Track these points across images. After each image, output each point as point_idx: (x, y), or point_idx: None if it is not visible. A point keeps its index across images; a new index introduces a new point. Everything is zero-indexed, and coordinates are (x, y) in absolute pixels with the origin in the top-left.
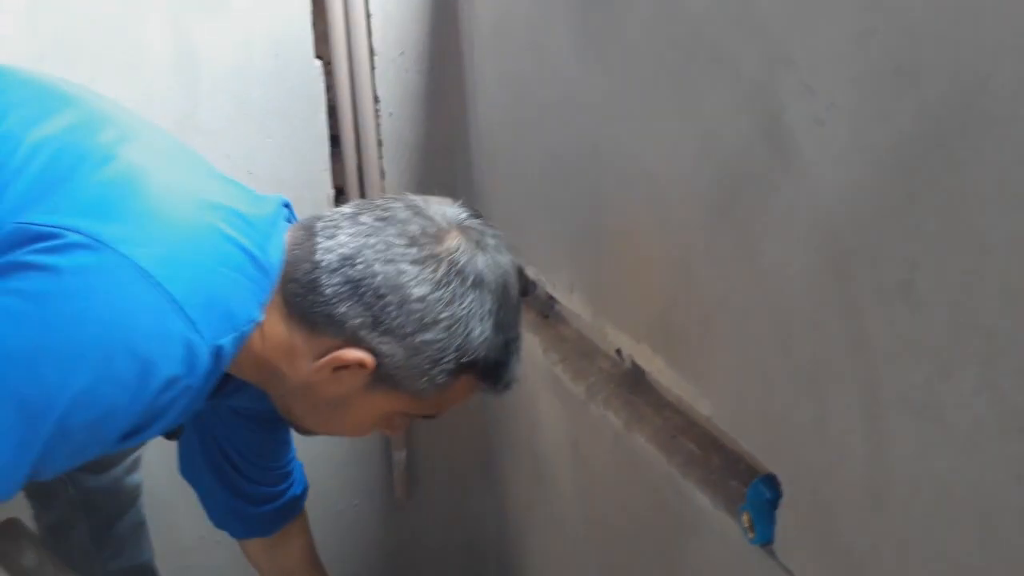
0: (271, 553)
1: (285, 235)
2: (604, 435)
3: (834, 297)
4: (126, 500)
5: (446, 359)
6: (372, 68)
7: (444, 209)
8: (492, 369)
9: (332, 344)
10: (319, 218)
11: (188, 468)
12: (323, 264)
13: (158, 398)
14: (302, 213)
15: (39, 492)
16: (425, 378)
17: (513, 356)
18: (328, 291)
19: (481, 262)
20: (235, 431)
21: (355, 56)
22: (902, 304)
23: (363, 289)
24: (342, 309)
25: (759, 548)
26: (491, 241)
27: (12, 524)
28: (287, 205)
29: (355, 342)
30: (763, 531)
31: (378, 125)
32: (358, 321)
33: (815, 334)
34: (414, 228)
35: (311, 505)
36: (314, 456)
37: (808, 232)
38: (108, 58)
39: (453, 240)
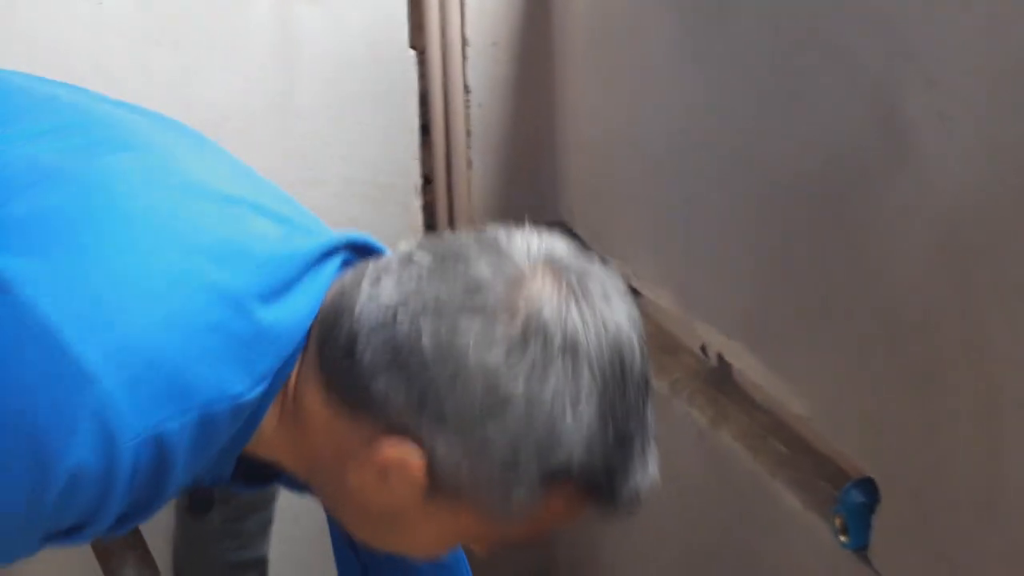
0: None
1: (332, 281)
2: (687, 433)
3: (951, 297)
4: (262, 501)
5: (524, 466)
6: (464, 58)
7: (530, 242)
8: (599, 479)
9: (373, 433)
10: (376, 259)
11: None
12: (361, 321)
13: (62, 500)
14: (390, 203)
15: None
16: (499, 492)
17: (633, 460)
18: (366, 358)
19: (576, 318)
20: None
21: (448, 46)
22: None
23: (405, 355)
24: (380, 384)
25: (852, 552)
26: (596, 287)
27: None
28: (356, 245)
29: (399, 431)
30: (857, 535)
31: (468, 115)
32: (401, 400)
33: (928, 334)
34: (482, 269)
35: None
36: None
37: (925, 229)
38: (214, 40)
39: (536, 285)
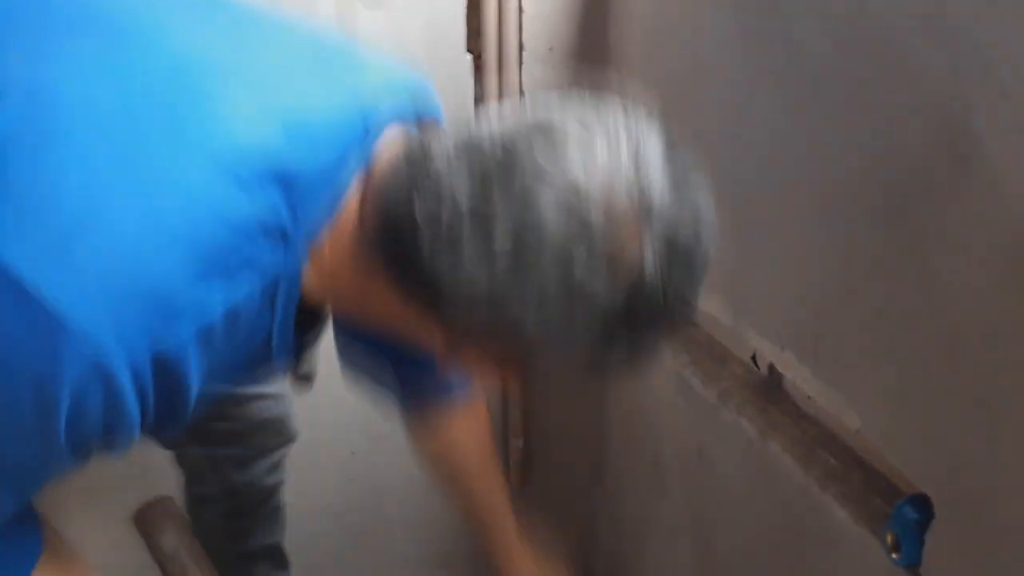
0: (429, 443)
1: (391, 143)
2: (735, 443)
3: (1016, 313)
4: (264, 495)
5: (569, 341)
6: (520, 63)
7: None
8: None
9: (425, 309)
10: (435, 135)
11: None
12: (405, 199)
13: (72, 428)
14: None
15: (189, 471)
16: (529, 351)
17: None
18: (425, 248)
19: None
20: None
21: (505, 51)
22: None
23: (448, 231)
24: (444, 275)
25: (904, 569)
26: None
27: (164, 503)
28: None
29: (435, 308)
30: (910, 552)
31: None
32: (464, 292)
33: (991, 352)
34: (566, 173)
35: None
36: None
37: (991, 243)
38: None
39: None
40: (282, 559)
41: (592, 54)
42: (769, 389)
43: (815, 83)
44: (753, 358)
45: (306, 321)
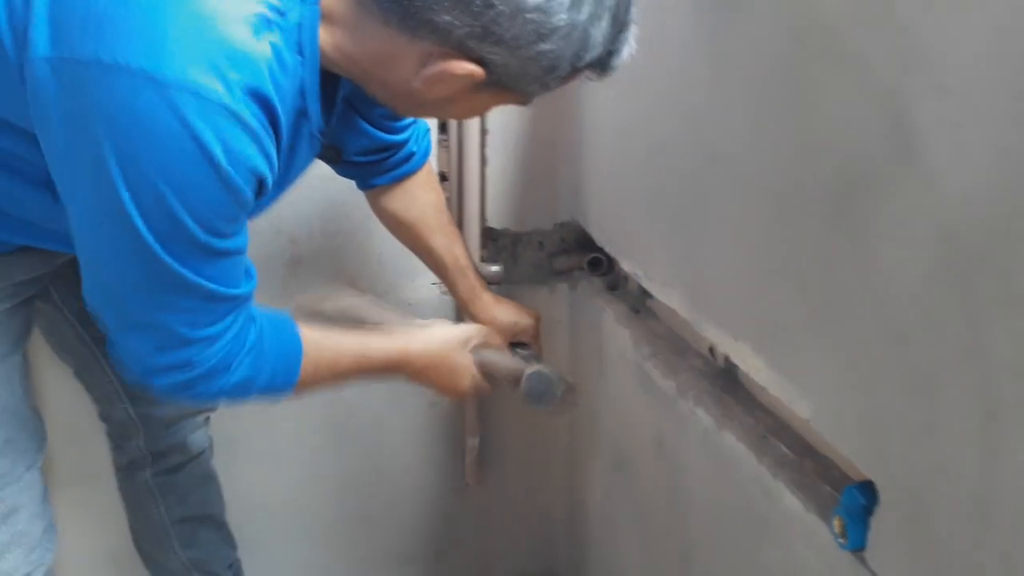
0: (397, 203)
1: None
2: (692, 432)
3: (954, 303)
4: (189, 453)
5: (561, 67)
6: None
7: None
8: (603, 61)
9: (436, 51)
10: None
11: None
12: None
13: (232, 167)
14: None
15: (117, 434)
16: (537, 84)
17: (626, 41)
18: None
19: None
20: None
21: None
22: None
23: None
24: (446, 17)
25: (850, 554)
26: None
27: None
28: None
29: (462, 51)
30: (856, 537)
31: (484, 115)
32: (465, 31)
33: (930, 340)
34: None
35: (384, 481)
36: (390, 433)
37: (930, 236)
38: None
39: None
40: (225, 532)
41: None
42: (725, 380)
43: (765, 79)
44: (711, 350)
45: (324, 85)
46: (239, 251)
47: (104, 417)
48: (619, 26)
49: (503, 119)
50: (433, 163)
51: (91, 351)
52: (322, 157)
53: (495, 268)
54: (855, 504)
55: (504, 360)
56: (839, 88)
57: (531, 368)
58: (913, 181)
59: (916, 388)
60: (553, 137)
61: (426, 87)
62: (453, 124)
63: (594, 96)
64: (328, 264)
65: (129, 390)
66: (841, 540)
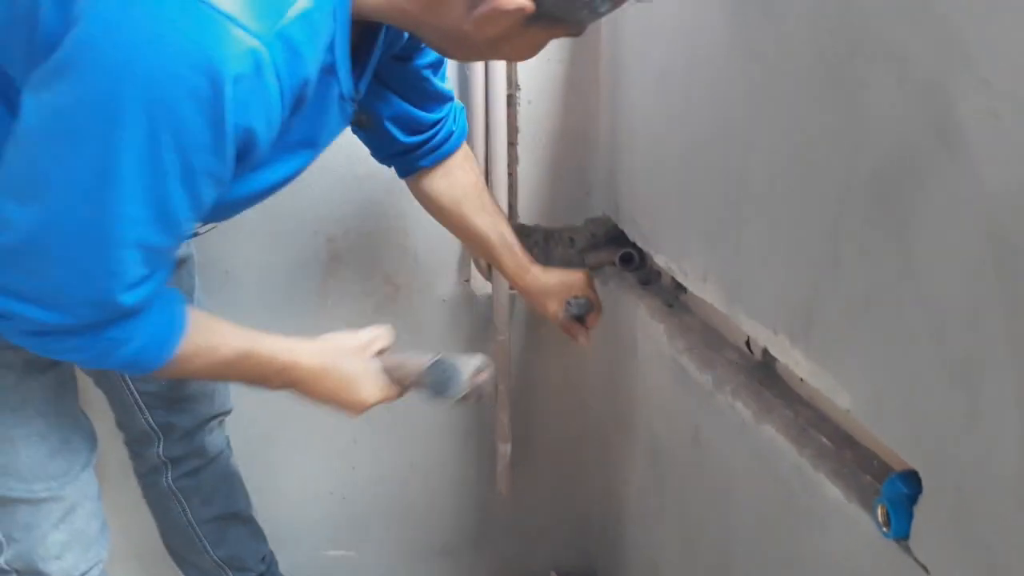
0: (440, 185)
1: None
2: (730, 425)
3: (996, 294)
4: (208, 456)
5: None
6: None
7: None
8: None
9: None
10: None
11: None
12: None
13: (239, 105)
14: None
15: (135, 442)
16: (587, 9)
17: None
18: None
19: None
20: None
21: None
22: None
23: None
24: None
25: (893, 542)
26: None
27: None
28: None
29: None
30: (899, 526)
31: (516, 112)
32: None
33: (972, 330)
34: None
35: (418, 475)
36: (424, 427)
37: (972, 229)
38: None
39: None
40: (254, 527)
41: (586, 46)
42: (763, 373)
43: (804, 73)
44: (747, 343)
45: (357, 44)
46: (169, 250)
47: (122, 426)
48: None
49: (534, 115)
50: None
51: None
52: (365, 141)
53: None
54: (898, 493)
55: (407, 359)
56: (879, 82)
57: (431, 360)
58: (956, 174)
59: (958, 378)
60: (585, 134)
61: (477, 28)
62: (482, 122)
63: (628, 92)
64: (365, 262)
65: (148, 400)
66: (884, 529)
